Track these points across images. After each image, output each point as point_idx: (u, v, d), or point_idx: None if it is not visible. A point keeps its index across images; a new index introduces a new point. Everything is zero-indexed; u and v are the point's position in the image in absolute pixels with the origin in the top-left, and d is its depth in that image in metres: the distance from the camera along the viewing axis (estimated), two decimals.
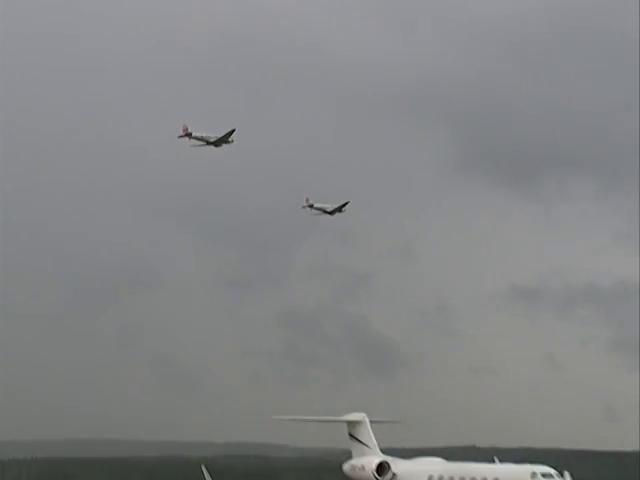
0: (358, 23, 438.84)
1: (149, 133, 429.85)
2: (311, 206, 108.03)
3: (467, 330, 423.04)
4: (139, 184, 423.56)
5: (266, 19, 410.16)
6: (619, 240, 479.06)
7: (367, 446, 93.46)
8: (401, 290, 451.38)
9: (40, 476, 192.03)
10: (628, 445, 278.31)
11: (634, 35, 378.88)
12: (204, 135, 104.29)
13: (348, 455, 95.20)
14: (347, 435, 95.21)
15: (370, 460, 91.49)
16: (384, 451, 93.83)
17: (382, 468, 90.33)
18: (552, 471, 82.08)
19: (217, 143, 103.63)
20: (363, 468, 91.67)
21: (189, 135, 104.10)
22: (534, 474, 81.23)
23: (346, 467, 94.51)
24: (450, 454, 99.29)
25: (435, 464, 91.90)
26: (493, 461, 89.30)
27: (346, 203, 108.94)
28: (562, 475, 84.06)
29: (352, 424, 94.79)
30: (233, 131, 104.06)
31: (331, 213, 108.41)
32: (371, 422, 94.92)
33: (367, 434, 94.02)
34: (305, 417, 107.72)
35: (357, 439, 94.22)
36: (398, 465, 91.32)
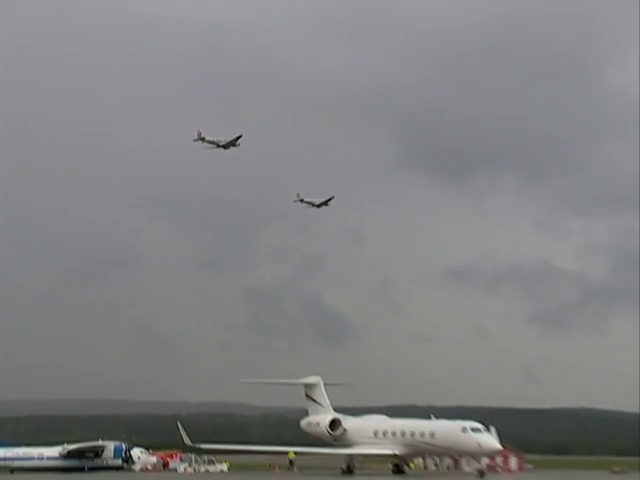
0: (313, 37, 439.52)
1: (136, 132, 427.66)
2: (302, 200, 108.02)
3: (408, 304, 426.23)
4: (125, 176, 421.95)
5: (231, 34, 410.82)
6: (538, 228, 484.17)
7: (321, 405, 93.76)
8: (351, 270, 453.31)
9: (36, 431, 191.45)
10: (544, 403, 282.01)
11: (547, 52, 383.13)
12: (214, 139, 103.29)
13: (305, 413, 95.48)
14: (304, 396, 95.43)
15: (324, 417, 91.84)
16: (336, 409, 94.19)
17: (334, 424, 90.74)
18: (480, 426, 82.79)
19: (226, 146, 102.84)
20: (318, 424, 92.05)
21: (202, 139, 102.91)
22: (464, 429, 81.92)
23: (303, 423, 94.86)
24: (393, 412, 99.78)
25: (380, 420, 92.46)
26: (430, 418, 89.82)
27: (331, 198, 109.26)
28: (488, 429, 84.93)
29: (308, 386, 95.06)
30: (240, 136, 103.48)
31: (318, 206, 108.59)
32: (325, 384, 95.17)
33: (321, 395, 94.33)
34: (268, 380, 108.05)
35: (313, 399, 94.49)
36: (348, 421, 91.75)
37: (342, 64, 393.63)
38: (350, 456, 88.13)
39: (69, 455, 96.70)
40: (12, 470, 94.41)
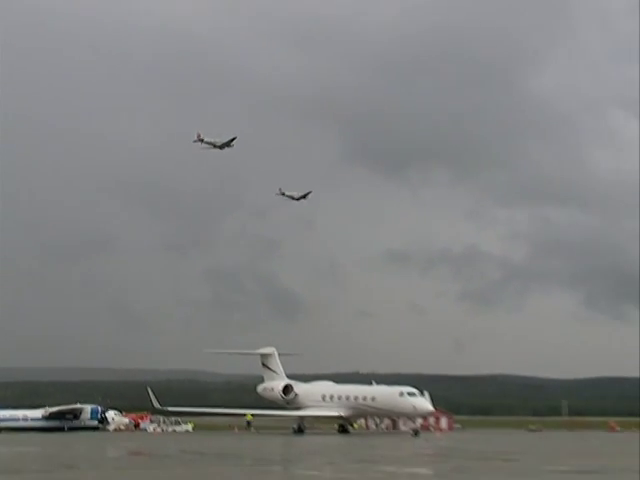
0: (269, 45, 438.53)
1: (113, 129, 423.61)
2: (283, 194, 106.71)
3: (353, 283, 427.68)
4: (103, 167, 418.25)
5: (187, 42, 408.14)
6: (467, 216, 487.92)
7: (276, 372, 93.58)
8: (302, 253, 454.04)
9: (21, 395, 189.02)
10: (470, 370, 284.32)
11: (475, 61, 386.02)
12: (212, 140, 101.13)
13: (261, 380, 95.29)
14: (260, 364, 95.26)
15: (278, 383, 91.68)
16: (289, 376, 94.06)
17: (287, 389, 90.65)
18: (415, 390, 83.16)
19: (222, 147, 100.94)
20: (272, 389, 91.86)
21: (201, 140, 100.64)
22: (401, 393, 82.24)
23: (259, 389, 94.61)
24: (338, 378, 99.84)
25: (327, 386, 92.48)
26: (371, 384, 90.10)
27: (309, 192, 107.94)
28: (422, 393, 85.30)
29: (264, 356, 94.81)
30: (234, 138, 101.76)
31: (297, 199, 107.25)
32: (279, 354, 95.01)
33: (276, 363, 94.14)
34: (228, 350, 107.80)
35: (268, 367, 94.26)
36: (299, 387, 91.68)
37: (294, 69, 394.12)
38: (301, 418, 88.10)
39: (51, 417, 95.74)
40: None
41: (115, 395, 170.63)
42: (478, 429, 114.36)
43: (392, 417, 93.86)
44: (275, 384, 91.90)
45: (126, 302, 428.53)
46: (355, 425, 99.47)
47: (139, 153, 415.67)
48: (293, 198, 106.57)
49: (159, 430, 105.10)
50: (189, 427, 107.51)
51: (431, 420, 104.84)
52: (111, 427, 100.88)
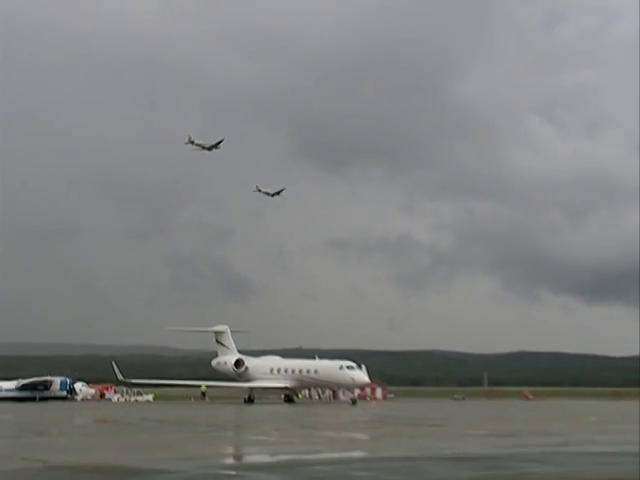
0: (219, 49, 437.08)
1: (83, 127, 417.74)
2: (259, 190, 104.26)
3: (298, 268, 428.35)
4: (73, 161, 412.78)
5: (154, 47, 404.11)
6: (401, 209, 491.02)
7: (228, 348, 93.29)
8: (253, 240, 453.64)
9: None
10: (403, 346, 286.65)
11: (408, 68, 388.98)
12: (201, 142, 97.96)
13: (215, 355, 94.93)
14: (215, 341, 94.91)
15: (230, 358, 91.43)
16: (240, 352, 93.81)
17: (238, 363, 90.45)
18: (353, 364, 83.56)
19: (210, 148, 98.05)
20: (225, 363, 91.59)
21: (192, 142, 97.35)
22: (341, 366, 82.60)
23: (214, 363, 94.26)
24: (285, 353, 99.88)
25: (274, 360, 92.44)
26: (314, 358, 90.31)
27: (283, 189, 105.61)
28: (360, 367, 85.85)
29: (218, 333, 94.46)
30: (222, 140, 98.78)
31: (272, 195, 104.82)
32: (231, 331, 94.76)
33: (228, 340, 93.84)
34: (187, 328, 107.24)
35: (221, 343, 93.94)
36: (249, 361, 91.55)
37: (245, 73, 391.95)
38: (251, 389, 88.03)
39: (23, 388, 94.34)
40: None
41: (83, 368, 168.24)
42: (409, 399, 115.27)
43: (333, 388, 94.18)
44: (228, 358, 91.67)
45: (94, 284, 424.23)
46: (299, 395, 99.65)
47: (105, 149, 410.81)
48: (269, 194, 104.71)
49: (122, 400, 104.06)
50: (150, 397, 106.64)
51: (367, 391, 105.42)
52: (79, 397, 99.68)
